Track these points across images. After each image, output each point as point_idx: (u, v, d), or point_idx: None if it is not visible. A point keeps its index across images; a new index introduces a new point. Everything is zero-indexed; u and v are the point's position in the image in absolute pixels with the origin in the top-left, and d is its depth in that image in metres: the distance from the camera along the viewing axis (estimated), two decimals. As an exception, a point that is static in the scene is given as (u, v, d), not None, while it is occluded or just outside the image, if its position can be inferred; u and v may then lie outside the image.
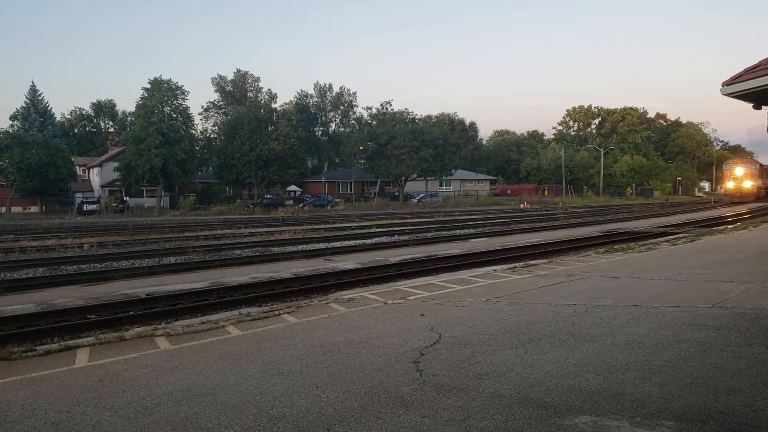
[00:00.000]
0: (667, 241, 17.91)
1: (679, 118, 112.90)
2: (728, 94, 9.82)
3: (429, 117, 77.33)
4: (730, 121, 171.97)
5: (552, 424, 3.93)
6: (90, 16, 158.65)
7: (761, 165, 59.04)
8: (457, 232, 27.46)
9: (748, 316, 6.93)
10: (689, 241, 17.42)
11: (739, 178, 54.90)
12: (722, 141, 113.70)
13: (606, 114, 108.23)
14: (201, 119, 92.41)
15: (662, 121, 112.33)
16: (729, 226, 22.96)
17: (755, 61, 9.71)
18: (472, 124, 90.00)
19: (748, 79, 9.28)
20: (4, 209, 57.35)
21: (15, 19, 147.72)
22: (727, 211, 37.07)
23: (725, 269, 10.89)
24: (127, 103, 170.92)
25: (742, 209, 40.02)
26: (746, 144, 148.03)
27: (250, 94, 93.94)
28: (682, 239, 18.05)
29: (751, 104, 10.70)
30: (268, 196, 68.57)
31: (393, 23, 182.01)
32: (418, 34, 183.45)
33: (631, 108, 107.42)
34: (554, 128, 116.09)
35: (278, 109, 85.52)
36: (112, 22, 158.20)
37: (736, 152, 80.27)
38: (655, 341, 5.96)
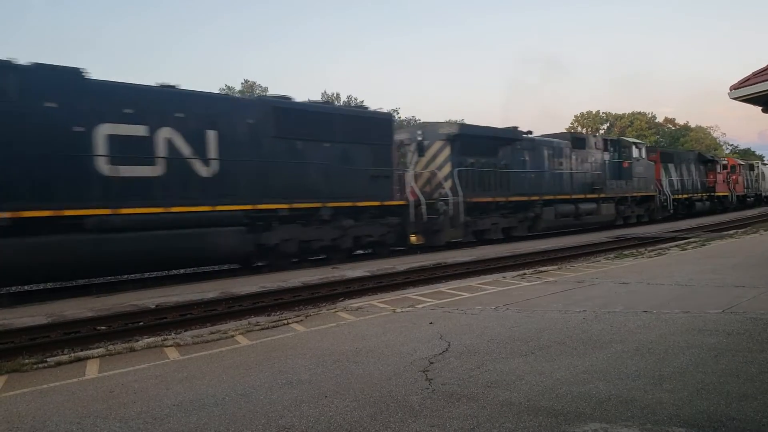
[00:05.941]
0: (677, 245, 17.77)
1: (687, 122, 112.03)
2: (736, 98, 9.81)
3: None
4: (740, 125, 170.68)
5: (562, 431, 3.91)
6: (94, 26, 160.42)
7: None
8: (466, 239, 27.35)
9: (760, 321, 6.86)
10: (699, 245, 17.29)
11: None
12: (732, 145, 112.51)
13: (614, 119, 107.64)
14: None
15: (671, 126, 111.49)
16: (739, 231, 22.76)
17: (763, 65, 9.69)
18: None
19: (756, 83, 9.28)
20: (15, 221, 57.70)
21: (19, 30, 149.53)
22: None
23: (736, 274, 10.79)
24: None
25: None
26: (756, 147, 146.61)
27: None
28: (691, 244, 17.92)
29: (760, 107, 10.67)
30: (277, 205, 68.81)
31: (399, 31, 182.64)
32: (423, 42, 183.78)
33: (640, 112, 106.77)
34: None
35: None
36: (118, 33, 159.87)
37: (746, 155, 77.20)
38: (665, 347, 5.91)
